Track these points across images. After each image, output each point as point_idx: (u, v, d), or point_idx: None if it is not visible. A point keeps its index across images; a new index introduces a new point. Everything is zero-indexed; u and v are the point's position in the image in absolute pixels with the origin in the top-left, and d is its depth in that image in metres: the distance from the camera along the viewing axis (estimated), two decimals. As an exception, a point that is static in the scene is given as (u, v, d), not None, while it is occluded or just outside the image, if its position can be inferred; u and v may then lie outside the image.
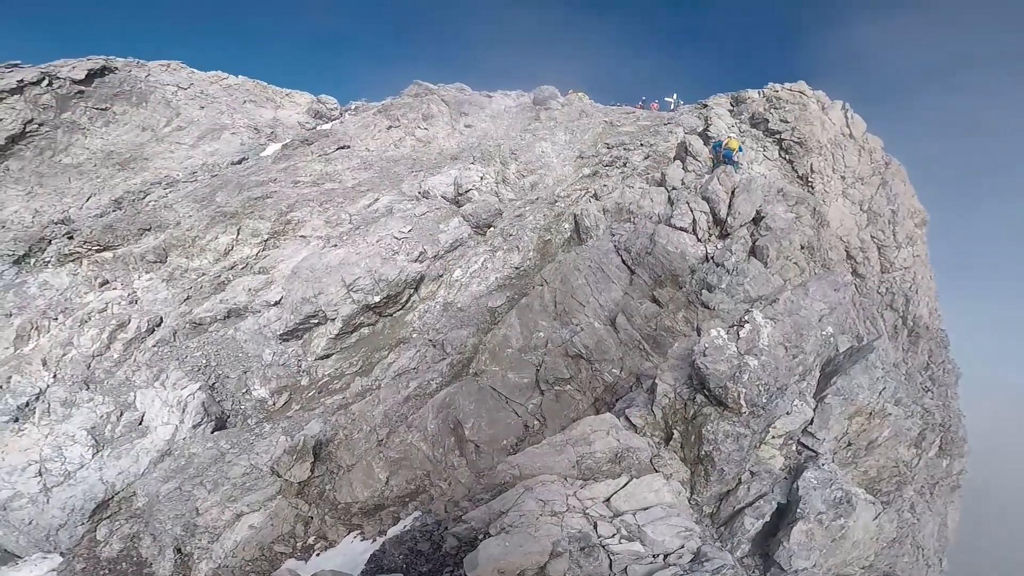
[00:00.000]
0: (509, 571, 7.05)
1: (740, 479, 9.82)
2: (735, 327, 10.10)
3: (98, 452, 16.74)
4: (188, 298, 18.90)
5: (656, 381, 10.73)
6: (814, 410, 10.74)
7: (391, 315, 18.66)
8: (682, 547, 7.70)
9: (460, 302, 18.61)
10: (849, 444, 11.34)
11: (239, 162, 30.48)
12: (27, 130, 30.01)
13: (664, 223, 18.11)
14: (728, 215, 17.53)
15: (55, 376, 17.88)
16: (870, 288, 22.81)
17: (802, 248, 17.71)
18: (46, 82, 31.14)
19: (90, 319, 18.89)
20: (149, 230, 22.42)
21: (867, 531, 9.57)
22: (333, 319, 17.90)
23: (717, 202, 17.58)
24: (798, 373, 10.83)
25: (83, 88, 32.45)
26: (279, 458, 15.66)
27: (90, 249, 22.47)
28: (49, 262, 23.16)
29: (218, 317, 17.98)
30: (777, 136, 23.14)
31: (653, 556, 7.50)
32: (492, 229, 22.32)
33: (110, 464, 16.45)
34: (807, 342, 11.01)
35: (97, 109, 32.79)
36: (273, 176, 25.83)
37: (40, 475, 16.34)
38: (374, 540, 13.86)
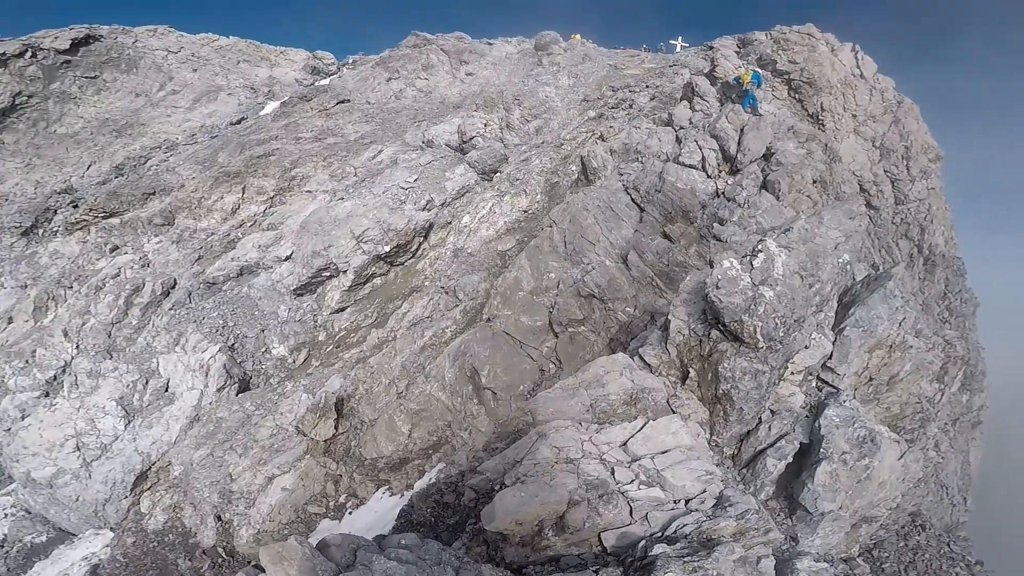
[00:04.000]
0: (527, 522, 6.98)
1: (760, 418, 9.43)
2: (748, 257, 9.55)
3: (129, 423, 16.95)
4: (199, 258, 18.90)
5: (669, 318, 10.28)
6: (833, 343, 10.26)
7: (402, 264, 18.62)
8: (704, 492, 7.41)
9: (470, 247, 18.50)
10: (870, 379, 10.97)
11: (238, 122, 29.89)
12: (17, 103, 29.48)
13: (672, 161, 17.77)
14: (738, 152, 17.20)
15: (77, 347, 18.07)
16: (884, 219, 22.44)
17: (814, 182, 17.30)
18: (29, 54, 30.35)
19: (104, 285, 18.98)
20: (154, 194, 22.24)
21: (893, 471, 9.22)
22: (345, 271, 17.89)
23: (726, 139, 17.21)
24: (815, 304, 10.14)
25: (69, 58, 31.63)
26: (303, 417, 15.84)
27: (96, 216, 22.39)
28: (57, 231, 23.15)
29: (231, 275, 18.01)
30: (786, 76, 22.41)
31: (674, 502, 7.29)
32: (498, 174, 21.96)
33: (143, 434, 16.68)
34: (823, 270, 10.59)
35: (86, 78, 32.04)
36: (274, 134, 25.35)
37: (78, 449, 16.59)
38: (402, 495, 14.20)
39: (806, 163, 17.17)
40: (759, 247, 9.79)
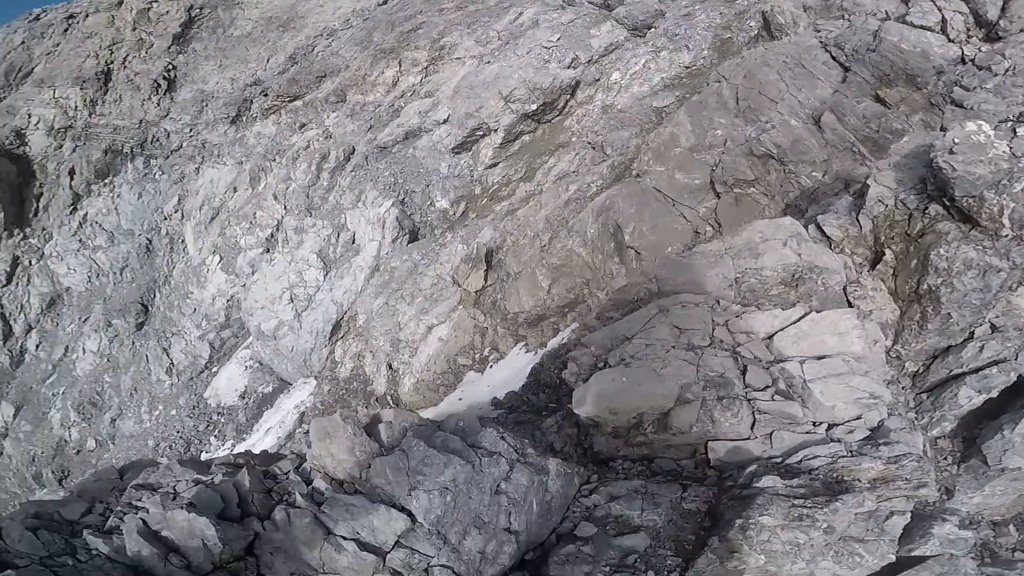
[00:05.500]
0: (623, 412, 5.90)
1: (972, 333, 7.14)
2: (1011, 123, 7.58)
3: (327, 273, 19.92)
4: (371, 127, 21.22)
5: (868, 182, 7.96)
6: None
7: (549, 121, 19.14)
8: (858, 418, 5.76)
9: (620, 104, 18.25)
10: None
11: (384, 2, 31.12)
12: (193, 16, 32.98)
13: (895, 21, 15.21)
14: (1001, 17, 14.13)
15: (285, 207, 21.69)
16: None
17: None
18: None
19: (299, 156, 22.22)
20: (325, 76, 24.78)
21: None
22: (495, 130, 18.93)
23: (983, 2, 14.30)
24: None
25: None
26: (458, 267, 16.85)
27: (283, 101, 25.72)
28: (256, 117, 27.14)
29: (398, 139, 20.08)
30: None
31: (813, 424, 5.74)
32: (653, 30, 20.79)
33: (337, 284, 19.42)
34: None
35: None
36: (418, 8, 26.19)
37: (292, 301, 19.73)
38: (535, 352, 14.19)
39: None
40: (1031, 113, 6.69)
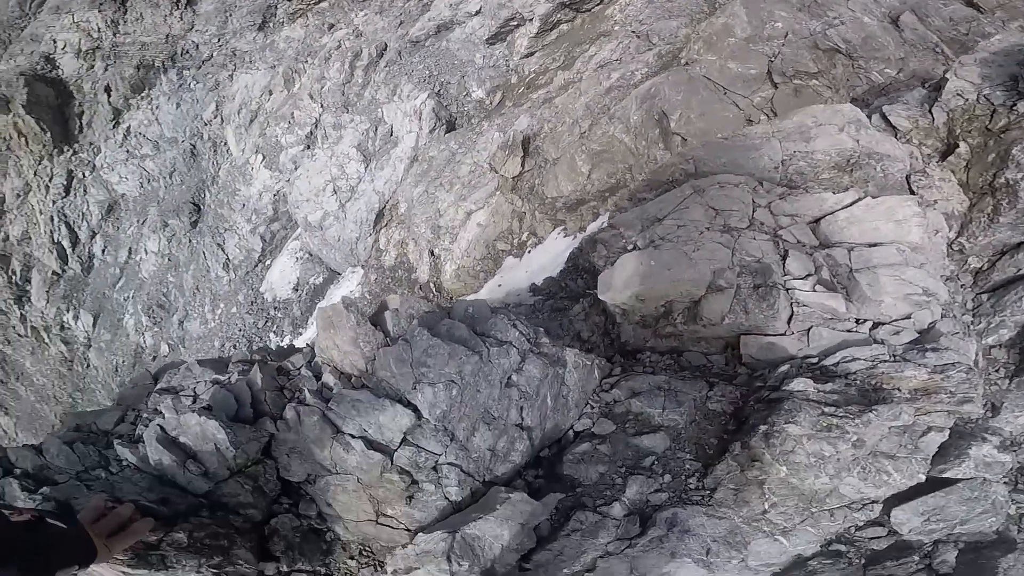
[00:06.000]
0: (651, 299, 5.41)
1: None
2: None
3: (368, 166, 20.81)
4: (401, 23, 21.18)
5: (947, 76, 7.08)
6: None
7: (589, 10, 18.84)
8: (908, 317, 5.00)
9: (665, -13, 17.91)
10: None
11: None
12: None
13: None
14: None
15: (322, 106, 22.23)
16: None
17: None
18: None
19: (331, 56, 22.43)
20: (351, -27, 24.49)
21: None
22: (531, 19, 18.82)
23: None
24: None
25: None
26: (495, 154, 16.97)
27: (309, 4, 25.57)
28: (283, 22, 27.05)
29: (430, 33, 20.09)
30: None
31: (856, 321, 5.01)
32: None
33: (377, 175, 20.15)
34: None
35: None
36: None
37: (335, 193, 20.56)
38: (574, 237, 14.01)
39: None
40: None
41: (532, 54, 19.03)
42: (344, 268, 20.78)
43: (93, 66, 29.64)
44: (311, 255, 21.45)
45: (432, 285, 16.74)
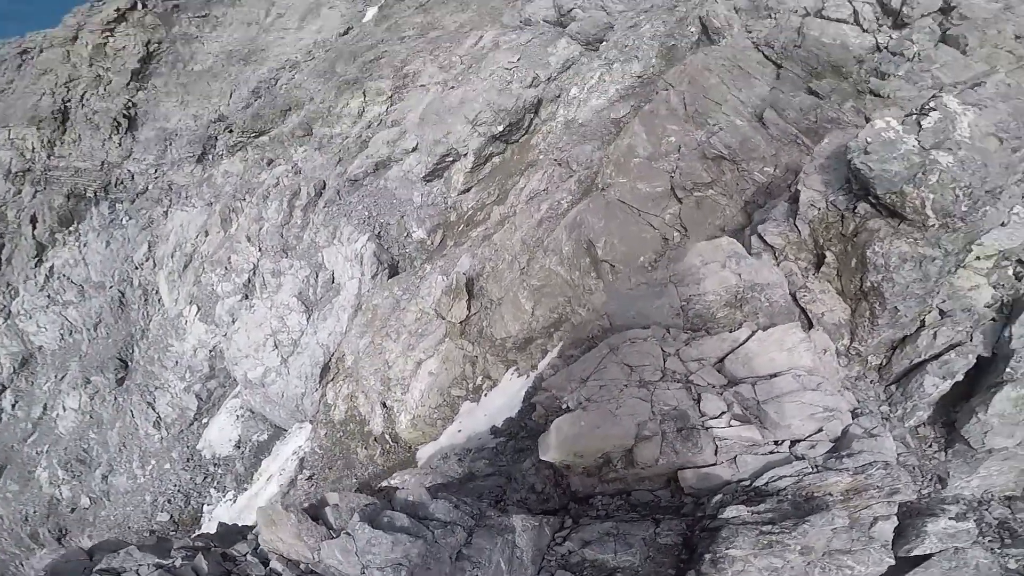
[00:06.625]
0: (588, 454, 6.04)
1: (923, 321, 7.25)
2: (915, 116, 7.54)
3: (310, 316, 19.55)
4: (340, 160, 21.19)
5: (799, 188, 8.17)
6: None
7: (517, 141, 19.37)
8: (819, 431, 5.76)
9: (581, 118, 18.59)
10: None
11: (345, 32, 31.09)
12: (152, 50, 32.51)
13: (814, 16, 16.12)
14: (903, 5, 15.11)
15: (260, 249, 21.43)
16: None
17: (1017, 38, 14.25)
18: (140, 4, 32.93)
19: (270, 193, 22.07)
20: (289, 110, 24.70)
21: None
22: (465, 154, 19.10)
23: None
24: (1021, 171, 7.57)
25: (176, 2, 34.13)
26: (439, 299, 16.62)
27: (249, 137, 25.56)
28: (222, 155, 26.88)
29: (368, 171, 20.09)
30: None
31: (775, 443, 5.75)
32: (605, 43, 21.24)
33: (320, 327, 19.15)
34: (1033, 131, 7.85)
35: (198, 17, 34.45)
36: (379, 38, 26.30)
37: (276, 347, 19.37)
38: (527, 376, 14.05)
39: (1004, 17, 14.46)
40: (931, 104, 7.56)
41: (469, 189, 19.18)
42: (290, 424, 19.34)
43: (21, 191, 28.37)
44: (253, 412, 20.00)
45: (388, 436, 15.95)
